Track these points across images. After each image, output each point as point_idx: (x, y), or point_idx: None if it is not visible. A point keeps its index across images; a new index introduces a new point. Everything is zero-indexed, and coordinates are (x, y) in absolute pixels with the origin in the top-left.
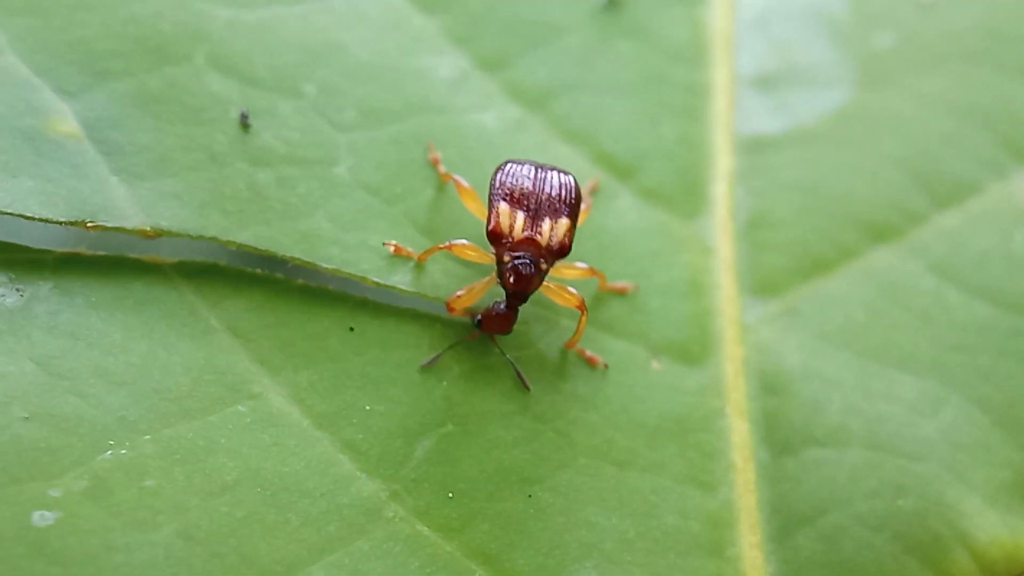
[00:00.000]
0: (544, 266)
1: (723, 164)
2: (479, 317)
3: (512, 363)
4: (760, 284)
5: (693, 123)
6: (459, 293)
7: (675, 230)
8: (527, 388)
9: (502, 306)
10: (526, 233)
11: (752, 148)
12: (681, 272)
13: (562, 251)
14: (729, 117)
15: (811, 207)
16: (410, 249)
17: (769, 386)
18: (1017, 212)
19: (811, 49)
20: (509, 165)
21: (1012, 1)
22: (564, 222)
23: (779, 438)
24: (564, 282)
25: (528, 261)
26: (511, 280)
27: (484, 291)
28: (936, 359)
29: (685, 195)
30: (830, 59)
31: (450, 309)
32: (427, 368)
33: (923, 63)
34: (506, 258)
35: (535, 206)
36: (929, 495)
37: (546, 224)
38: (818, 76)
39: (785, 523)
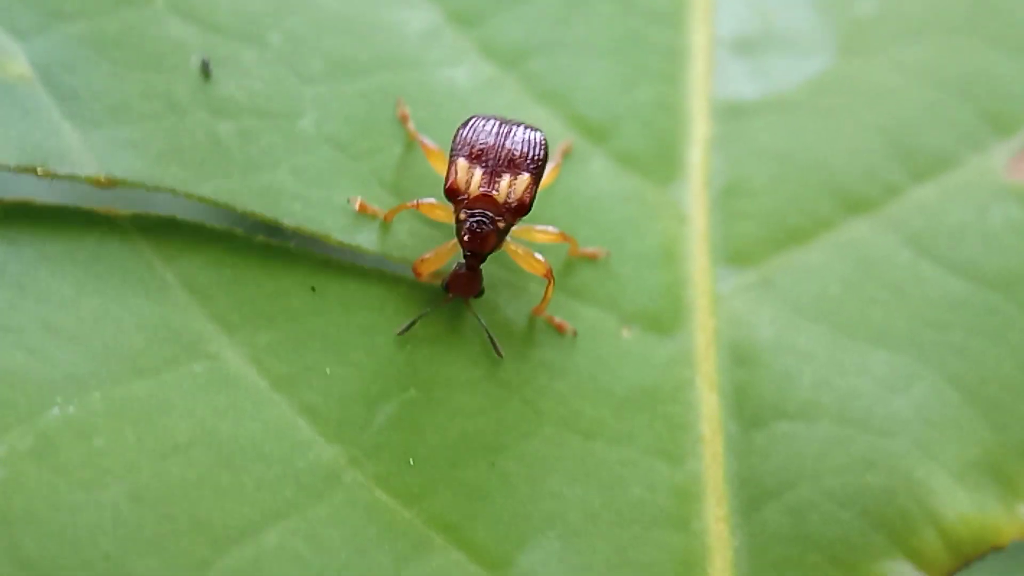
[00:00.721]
0: (502, 224)
1: (699, 129)
2: (446, 282)
3: (486, 328)
4: (734, 254)
5: (670, 86)
6: (425, 256)
7: (649, 196)
8: (500, 355)
9: (463, 267)
10: (482, 190)
11: (729, 114)
12: (654, 239)
13: (521, 209)
14: (707, 81)
15: (787, 176)
16: (376, 207)
17: (740, 358)
18: (995, 186)
19: (792, 14)
20: (473, 119)
21: None
22: (524, 178)
23: (749, 411)
24: (533, 247)
25: (484, 219)
26: (466, 239)
27: (451, 254)
28: (910, 335)
29: (660, 160)
30: (811, 25)
31: (417, 274)
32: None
33: (905, 32)
34: (463, 216)
35: (494, 162)
36: (898, 471)
37: (504, 180)
38: (798, 42)
39: (752, 497)
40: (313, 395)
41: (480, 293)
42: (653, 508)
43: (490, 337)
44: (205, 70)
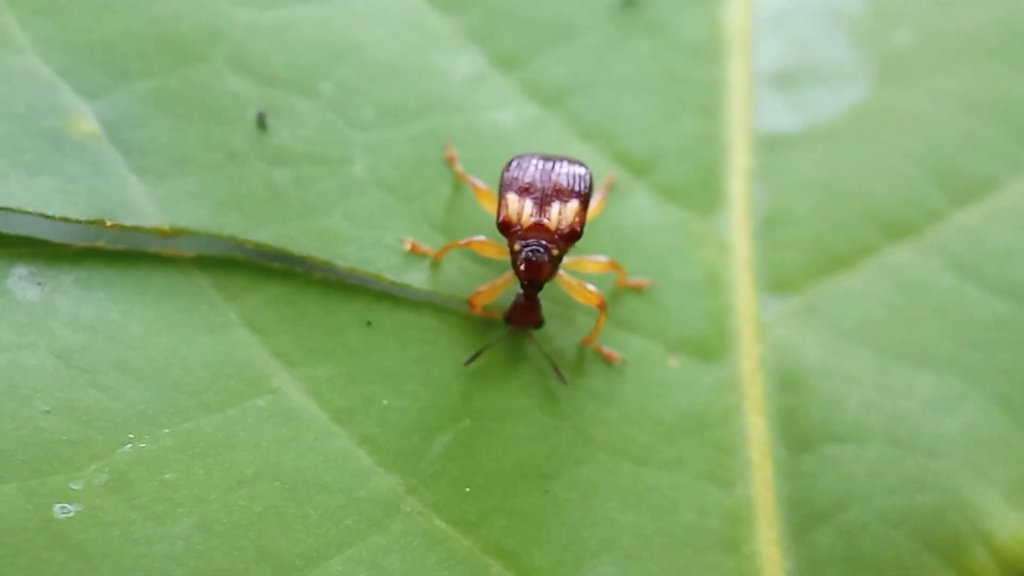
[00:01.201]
0: (556, 251)
1: (740, 161)
2: (506, 315)
3: (548, 356)
4: (777, 281)
5: (710, 120)
6: (480, 290)
7: (692, 227)
8: (564, 381)
9: (522, 298)
10: (534, 219)
11: (769, 145)
12: (698, 269)
13: (573, 235)
14: (746, 114)
15: (828, 204)
16: (427, 247)
17: (787, 383)
18: None
19: (829, 47)
20: (516, 159)
21: None
22: (573, 204)
23: (797, 434)
24: (584, 277)
25: (539, 247)
26: (523, 268)
27: (504, 288)
28: (955, 356)
29: (702, 192)
30: (848, 57)
31: (472, 308)
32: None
33: (941, 60)
34: (517, 247)
35: (542, 193)
36: (948, 492)
37: (554, 208)
38: (836, 74)
39: (803, 519)
40: (371, 426)
41: (540, 324)
42: (705, 532)
43: (553, 364)
44: (262, 121)
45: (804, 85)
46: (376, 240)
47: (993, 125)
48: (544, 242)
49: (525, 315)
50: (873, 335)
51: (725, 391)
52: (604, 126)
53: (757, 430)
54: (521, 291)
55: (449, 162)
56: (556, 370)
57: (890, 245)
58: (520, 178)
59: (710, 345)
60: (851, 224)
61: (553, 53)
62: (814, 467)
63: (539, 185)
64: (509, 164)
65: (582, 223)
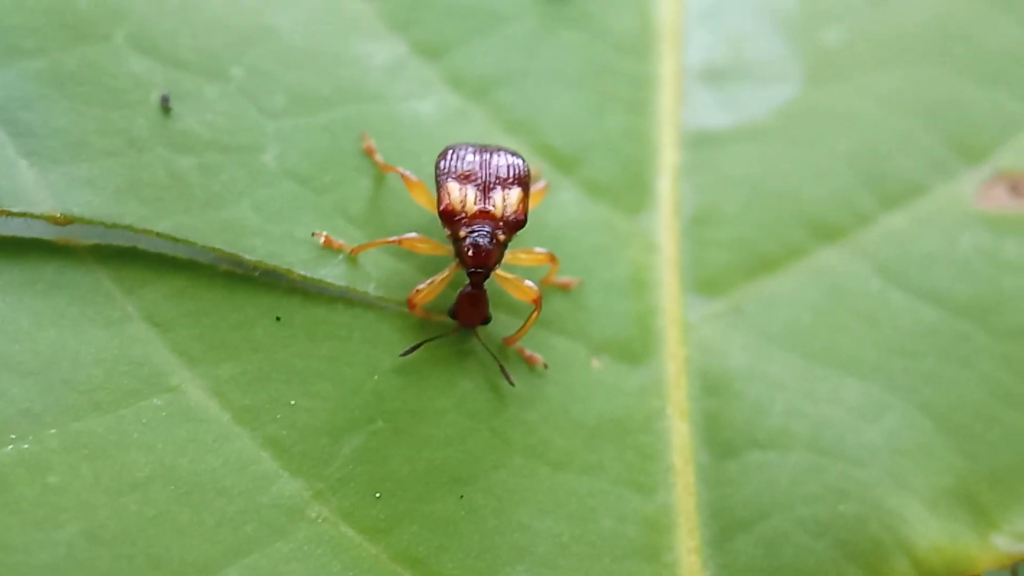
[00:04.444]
0: (502, 237)
1: (668, 158)
2: (452, 311)
3: (496, 357)
4: (704, 282)
5: (638, 116)
6: (419, 288)
7: (618, 226)
8: (512, 383)
9: (468, 288)
10: (479, 206)
11: (699, 142)
12: (624, 269)
13: (518, 222)
14: (676, 111)
15: (758, 204)
16: (342, 241)
17: (711, 387)
18: (964, 214)
19: (760, 43)
20: (451, 149)
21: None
22: (516, 191)
23: (720, 440)
24: (518, 271)
25: (486, 232)
26: (470, 255)
27: (444, 284)
28: (880, 363)
29: (629, 190)
30: (779, 54)
31: (411, 308)
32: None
33: (873, 60)
34: (463, 233)
35: (483, 181)
36: (871, 501)
37: (498, 195)
38: (767, 71)
39: (724, 527)
40: (277, 428)
41: (488, 320)
42: (624, 540)
43: (500, 365)
44: (165, 105)
45: (735, 81)
46: (286, 233)
47: (923, 128)
48: (489, 228)
49: (472, 309)
50: (799, 340)
51: (649, 394)
52: (529, 119)
53: (680, 435)
54: (467, 284)
55: (368, 153)
56: (503, 371)
57: (818, 248)
58: (458, 167)
59: (635, 347)
60: (780, 225)
61: (477, 43)
62: (737, 474)
63: (479, 173)
64: (444, 153)
65: (526, 210)
